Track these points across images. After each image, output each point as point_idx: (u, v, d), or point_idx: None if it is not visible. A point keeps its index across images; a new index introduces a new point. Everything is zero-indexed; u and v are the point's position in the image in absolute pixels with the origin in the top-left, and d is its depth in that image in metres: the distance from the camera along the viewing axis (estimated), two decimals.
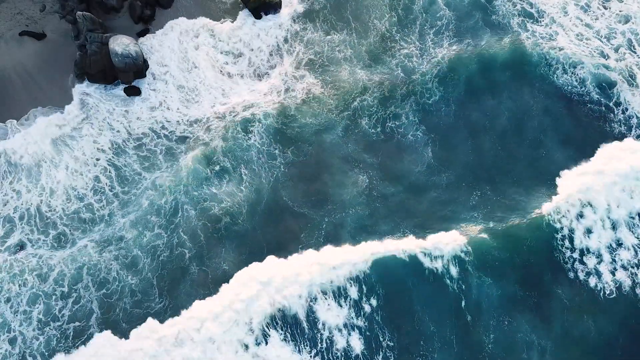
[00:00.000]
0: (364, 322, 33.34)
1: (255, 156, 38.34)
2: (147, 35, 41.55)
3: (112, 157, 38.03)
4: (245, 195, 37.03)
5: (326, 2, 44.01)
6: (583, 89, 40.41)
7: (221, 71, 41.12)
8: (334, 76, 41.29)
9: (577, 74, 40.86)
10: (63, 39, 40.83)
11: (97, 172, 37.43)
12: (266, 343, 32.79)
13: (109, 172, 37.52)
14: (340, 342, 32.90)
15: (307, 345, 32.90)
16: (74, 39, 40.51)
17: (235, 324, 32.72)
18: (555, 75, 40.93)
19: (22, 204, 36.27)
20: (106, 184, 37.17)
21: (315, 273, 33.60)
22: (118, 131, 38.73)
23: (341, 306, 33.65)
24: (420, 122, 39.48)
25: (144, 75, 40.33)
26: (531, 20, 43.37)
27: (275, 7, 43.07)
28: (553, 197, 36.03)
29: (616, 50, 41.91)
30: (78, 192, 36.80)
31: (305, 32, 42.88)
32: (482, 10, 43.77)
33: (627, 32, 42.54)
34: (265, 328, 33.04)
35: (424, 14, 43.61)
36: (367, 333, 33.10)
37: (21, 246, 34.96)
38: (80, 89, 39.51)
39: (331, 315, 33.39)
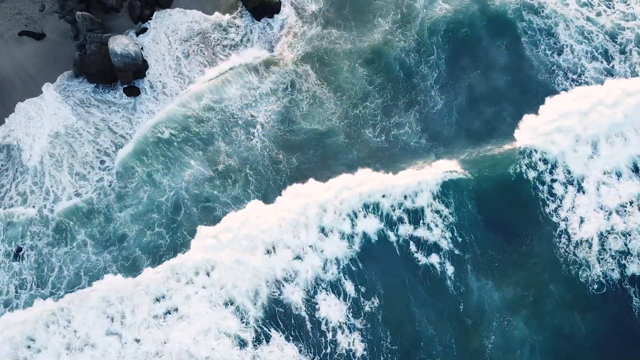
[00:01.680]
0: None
1: (259, 160, 38.20)
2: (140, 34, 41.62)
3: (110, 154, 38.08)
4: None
5: (326, 1, 43.67)
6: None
7: (220, 80, 40.82)
8: (337, 78, 40.97)
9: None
10: (62, 39, 40.72)
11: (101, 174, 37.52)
12: (267, 342, 33.06)
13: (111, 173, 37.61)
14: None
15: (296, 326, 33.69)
16: (73, 39, 40.37)
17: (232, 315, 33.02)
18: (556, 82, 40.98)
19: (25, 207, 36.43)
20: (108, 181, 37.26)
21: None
22: (121, 135, 38.71)
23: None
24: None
25: (144, 75, 40.17)
26: (531, 12, 43.18)
27: (275, 9, 42.70)
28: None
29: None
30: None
31: (306, 34, 42.39)
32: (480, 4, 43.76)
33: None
34: (265, 327, 33.18)
35: (424, 10, 43.27)
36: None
37: (18, 249, 34.87)
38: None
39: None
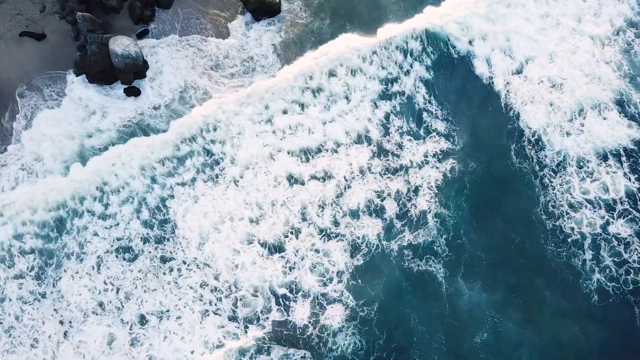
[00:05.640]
0: None
1: None
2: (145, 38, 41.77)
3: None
4: None
5: (326, 2, 43.75)
6: None
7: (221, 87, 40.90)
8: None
9: None
10: (63, 39, 40.87)
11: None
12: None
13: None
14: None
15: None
16: (73, 39, 40.54)
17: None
18: None
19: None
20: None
21: None
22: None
23: None
24: None
25: (144, 76, 40.29)
26: None
27: (275, 9, 42.78)
28: None
29: None
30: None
31: (308, 36, 42.39)
32: None
33: None
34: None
35: None
36: None
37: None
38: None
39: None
